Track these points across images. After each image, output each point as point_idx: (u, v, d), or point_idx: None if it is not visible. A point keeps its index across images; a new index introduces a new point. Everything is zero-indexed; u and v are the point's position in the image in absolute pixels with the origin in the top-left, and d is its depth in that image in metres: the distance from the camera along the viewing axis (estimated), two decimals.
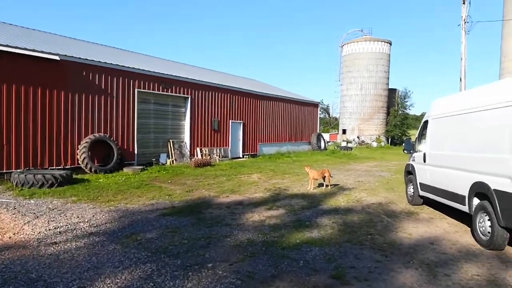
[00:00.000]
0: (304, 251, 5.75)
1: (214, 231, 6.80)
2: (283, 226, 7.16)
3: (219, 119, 20.42)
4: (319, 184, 12.07)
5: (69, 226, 6.83)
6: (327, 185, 11.77)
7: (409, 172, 9.76)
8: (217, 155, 19.69)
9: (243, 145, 22.45)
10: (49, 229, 6.55)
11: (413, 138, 10.26)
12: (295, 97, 28.83)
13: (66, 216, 7.47)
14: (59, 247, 5.67)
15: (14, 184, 10.18)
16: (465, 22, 16.94)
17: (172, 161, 17.17)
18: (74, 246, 5.73)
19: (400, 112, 47.16)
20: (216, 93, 20.26)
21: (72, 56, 13.30)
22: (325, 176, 11.76)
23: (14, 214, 7.44)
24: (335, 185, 12.36)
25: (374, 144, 42.27)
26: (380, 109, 44.44)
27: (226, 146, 20.93)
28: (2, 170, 11.25)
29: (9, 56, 11.48)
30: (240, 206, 8.98)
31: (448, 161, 7.54)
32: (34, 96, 12.18)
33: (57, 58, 12.61)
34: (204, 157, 18.43)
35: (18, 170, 11.18)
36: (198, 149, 18.95)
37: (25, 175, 10.27)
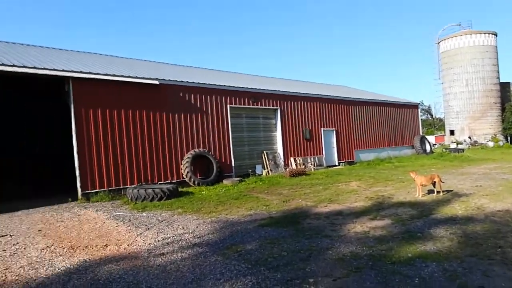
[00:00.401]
0: (419, 267, 5.08)
1: (314, 243, 6.48)
2: (390, 238, 6.51)
3: (310, 128, 20.10)
4: (428, 190, 10.89)
5: (176, 237, 7.17)
6: (438, 192, 10.54)
7: None
8: (311, 164, 19.33)
9: (338, 153, 21.70)
10: (158, 240, 6.95)
11: None
12: (391, 100, 27.06)
13: (173, 228, 7.89)
14: (166, 258, 5.94)
15: (129, 198, 11.23)
16: None
17: (268, 171, 17.33)
18: (180, 257, 5.95)
19: None
20: (305, 103, 20.02)
21: (169, 80, 14.41)
22: (435, 182, 10.57)
23: (129, 226, 8.11)
24: (448, 191, 11.02)
25: (490, 143, 37.33)
26: (493, 105, 39.29)
27: (320, 154, 20.44)
28: (119, 186, 12.54)
29: (117, 84, 12.86)
30: (340, 216, 8.50)
31: None
32: (141, 119, 13.41)
33: (156, 82, 13.78)
34: (298, 167, 18.23)
35: (132, 186, 12.35)
36: (291, 159, 18.84)
37: (138, 190, 11.26)
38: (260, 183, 14.37)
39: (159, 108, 13.97)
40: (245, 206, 9.96)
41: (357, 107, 23.38)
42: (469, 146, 37.16)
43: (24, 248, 6.54)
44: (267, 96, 18.09)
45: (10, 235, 7.46)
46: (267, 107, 18.06)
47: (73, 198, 11.61)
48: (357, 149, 23.07)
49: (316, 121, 20.53)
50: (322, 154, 20.58)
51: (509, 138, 39.68)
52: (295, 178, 15.70)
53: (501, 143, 37.71)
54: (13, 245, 6.76)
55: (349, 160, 22.32)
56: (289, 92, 19.28)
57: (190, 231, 7.54)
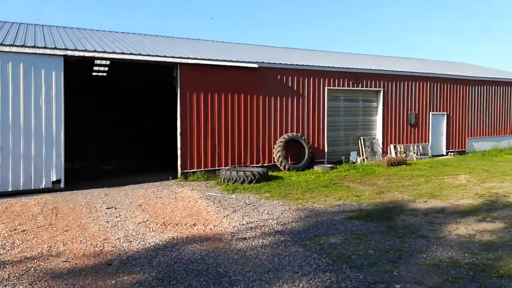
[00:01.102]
0: None
1: (406, 242, 5.86)
2: (501, 246, 5.54)
3: (416, 111, 18.29)
4: None
5: (259, 222, 7.20)
6: None
7: None
8: (414, 153, 17.69)
9: (447, 141, 19.42)
10: (242, 224, 7.06)
11: None
12: None
13: (258, 212, 7.95)
14: (247, 243, 5.98)
15: (222, 179, 11.69)
16: None
17: (363, 159, 16.39)
18: (260, 244, 5.93)
19: None
20: (412, 83, 18.20)
21: (268, 62, 14.39)
22: None
23: (218, 207, 8.43)
24: None
25: None
26: None
27: (425, 142, 18.56)
28: (214, 167, 13.13)
29: (219, 68, 13.30)
30: (441, 214, 7.56)
31: None
32: (238, 102, 13.72)
33: (256, 66, 13.90)
34: (398, 155, 16.85)
35: (226, 168, 12.83)
36: (391, 146, 17.48)
37: (230, 172, 11.64)
38: (353, 171, 13.66)
39: (256, 92, 14.11)
40: (334, 195, 9.54)
41: (475, 87, 20.45)
42: None
43: (124, 221, 7.26)
44: (369, 76, 16.92)
45: (115, 207, 8.37)
46: (368, 88, 16.93)
47: (173, 176, 12.56)
48: (470, 136, 20.34)
49: (424, 104, 18.58)
50: (428, 141, 18.65)
51: None
52: (393, 167, 14.54)
53: None
54: (116, 217, 7.56)
55: (460, 150, 19.82)
56: (395, 71, 17.70)
57: (274, 217, 7.49)
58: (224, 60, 13.49)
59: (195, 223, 7.10)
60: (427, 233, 6.33)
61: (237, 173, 11.53)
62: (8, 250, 5.69)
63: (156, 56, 12.28)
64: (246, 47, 20.71)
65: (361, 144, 16.73)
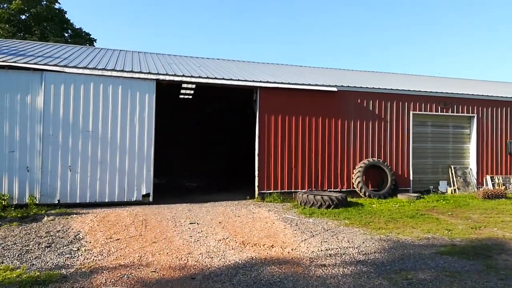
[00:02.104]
0: None
1: (509, 285, 5.14)
2: None
3: None
4: None
5: (339, 249, 6.90)
6: None
7: None
8: None
9: None
10: (321, 250, 6.83)
11: None
12: None
13: (337, 239, 7.64)
14: (327, 270, 5.75)
15: (298, 202, 11.54)
16: None
17: (454, 190, 14.99)
18: (341, 273, 5.66)
19: None
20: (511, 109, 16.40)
21: (348, 86, 14.16)
22: None
23: (295, 230, 8.30)
24: None
25: None
26: None
27: None
28: (291, 189, 13.06)
29: (297, 91, 13.41)
30: None
31: None
32: (316, 125, 13.62)
33: (334, 89, 13.76)
34: (496, 187, 15.10)
35: (302, 190, 12.69)
36: (487, 177, 15.75)
37: (307, 195, 11.46)
38: (443, 202, 12.53)
39: (334, 115, 13.91)
40: (422, 228, 8.81)
41: None
42: None
43: (205, 237, 7.49)
44: (460, 101, 15.68)
45: (198, 223, 8.70)
46: (459, 114, 15.66)
47: (250, 196, 12.75)
48: None
49: None
50: None
51: None
52: (491, 200, 13.04)
53: None
54: (198, 232, 7.84)
55: None
56: (490, 96, 16.16)
57: (355, 246, 7.13)
58: (302, 84, 13.58)
59: (272, 245, 7.05)
60: None
61: (314, 196, 11.31)
62: (105, 256, 6.20)
63: (238, 80, 12.85)
64: (325, 70, 20.67)
65: (451, 173, 15.37)
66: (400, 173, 14.50)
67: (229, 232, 7.96)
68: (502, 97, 16.32)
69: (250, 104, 14.24)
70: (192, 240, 7.24)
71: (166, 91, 15.31)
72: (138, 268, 5.66)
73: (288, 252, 6.64)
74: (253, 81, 12.99)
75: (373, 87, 14.44)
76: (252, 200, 12.43)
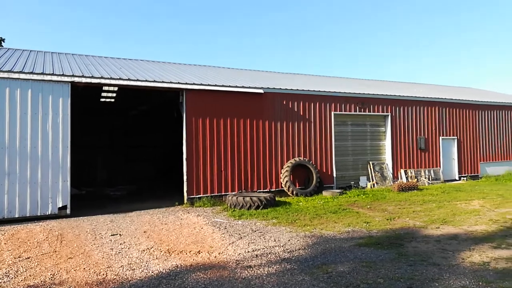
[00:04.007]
0: None
1: (417, 271, 5.61)
2: None
3: (425, 136, 18.10)
4: None
5: (266, 249, 7.00)
6: None
7: None
8: (425, 178, 17.36)
9: (459, 165, 19.08)
10: (248, 251, 6.87)
11: None
12: None
13: (264, 239, 7.75)
14: (253, 271, 5.78)
15: (228, 205, 11.53)
16: None
17: (373, 184, 16.11)
18: (266, 272, 5.73)
19: None
20: (421, 108, 18.11)
21: (273, 88, 14.49)
22: None
23: (223, 233, 8.25)
24: None
25: None
26: None
27: (436, 167, 18.25)
28: (221, 192, 13.01)
29: (224, 94, 13.41)
30: (454, 241, 7.28)
31: None
32: (244, 127, 13.74)
33: (261, 91, 13.99)
34: (409, 180, 16.54)
35: (232, 193, 12.70)
36: (402, 171, 17.20)
37: (237, 198, 11.49)
38: (363, 196, 13.40)
39: (261, 116, 14.15)
40: (343, 222, 9.30)
41: (485, 111, 20.26)
42: None
43: (128, 248, 7.11)
44: (375, 101, 16.91)
45: (120, 234, 8.24)
46: (375, 113, 16.87)
47: (179, 202, 12.44)
48: (483, 161, 19.97)
49: (433, 128, 18.42)
50: (439, 166, 18.34)
51: None
52: (405, 193, 14.24)
53: None
54: (120, 244, 7.43)
55: (473, 174, 19.43)
56: (402, 96, 17.67)
57: (281, 244, 7.29)
58: (229, 86, 13.61)
59: (199, 251, 6.93)
60: (439, 260, 6.07)
61: (243, 198, 11.38)
62: (12, 278, 5.59)
63: (162, 82, 12.45)
64: (251, 73, 20.98)
65: (370, 169, 16.51)
66: (324, 171, 15.20)
67: (154, 241, 7.66)
68: (412, 96, 17.93)
69: (177, 107, 13.92)
70: (113, 252, 6.82)
71: (86, 94, 14.37)
72: (49, 287, 5.18)
73: (215, 257, 6.56)
74: (179, 83, 12.68)
75: (297, 89, 14.95)
76: (181, 206, 12.13)
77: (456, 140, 19.04)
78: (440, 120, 18.62)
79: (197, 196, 12.49)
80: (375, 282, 5.21)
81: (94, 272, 5.77)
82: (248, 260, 6.35)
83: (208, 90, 13.07)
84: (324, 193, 13.95)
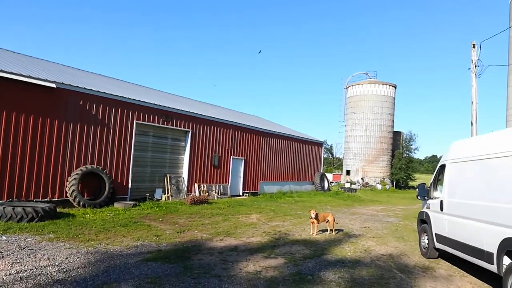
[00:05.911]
0: None
1: (200, 283, 5.86)
2: (281, 281, 6.20)
3: (219, 154, 19.74)
4: (322, 230, 11.11)
5: (35, 270, 5.92)
6: (331, 230, 10.81)
7: (423, 221, 8.84)
8: (215, 192, 18.80)
9: (243, 183, 21.59)
10: (10, 274, 5.65)
11: (427, 183, 9.40)
12: (299, 136, 28.25)
13: (35, 258, 6.57)
14: None
15: None
16: (475, 66, 16.53)
17: (168, 197, 16.29)
18: None
19: (405, 155, 46.27)
20: (218, 128, 19.70)
21: (69, 85, 12.86)
22: (328, 220, 10.83)
23: None
24: (339, 230, 11.39)
25: (379, 186, 41.12)
26: (385, 151, 43.71)
27: (226, 183, 20.08)
28: None
29: (7, 82, 11.03)
30: (235, 252, 8.04)
31: (472, 211, 6.65)
32: (26, 124, 11.61)
33: (53, 85, 12.16)
34: (201, 194, 17.55)
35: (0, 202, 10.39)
36: (196, 185, 18.11)
37: (4, 208, 9.44)
38: (157, 209, 13.32)
39: (52, 115, 12.29)
40: (132, 236, 8.93)
41: (267, 138, 23.81)
42: (361, 186, 40.38)
43: None
44: (179, 116, 17.30)
45: None
46: (178, 127, 17.24)
47: None
48: (262, 180, 23.28)
49: (226, 148, 20.25)
50: (228, 182, 20.25)
51: (394, 182, 44.26)
52: (196, 206, 14.96)
53: (387, 187, 41.78)
54: None
55: (254, 191, 22.34)
56: (203, 115, 18.76)
57: (56, 263, 6.33)
58: (11, 73, 11.30)
59: None
60: (220, 272, 6.53)
61: (13, 208, 9.46)
62: None
63: None
64: (46, 63, 18.17)
65: (167, 181, 16.64)
66: (119, 181, 14.38)
67: None
68: (212, 117, 19.31)
69: None
70: None
71: None
72: None
73: None
74: None
75: (98, 90, 13.76)
76: None
77: (243, 161, 21.53)
78: (232, 141, 20.71)
79: None
80: None
81: None
82: (8, 285, 5.20)
83: None
84: (116, 204, 13.13)
